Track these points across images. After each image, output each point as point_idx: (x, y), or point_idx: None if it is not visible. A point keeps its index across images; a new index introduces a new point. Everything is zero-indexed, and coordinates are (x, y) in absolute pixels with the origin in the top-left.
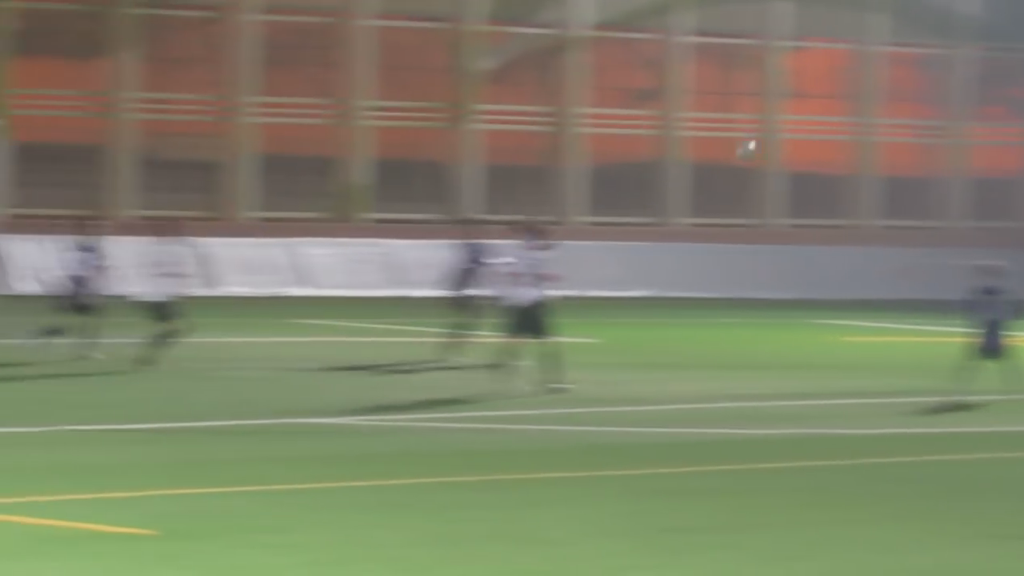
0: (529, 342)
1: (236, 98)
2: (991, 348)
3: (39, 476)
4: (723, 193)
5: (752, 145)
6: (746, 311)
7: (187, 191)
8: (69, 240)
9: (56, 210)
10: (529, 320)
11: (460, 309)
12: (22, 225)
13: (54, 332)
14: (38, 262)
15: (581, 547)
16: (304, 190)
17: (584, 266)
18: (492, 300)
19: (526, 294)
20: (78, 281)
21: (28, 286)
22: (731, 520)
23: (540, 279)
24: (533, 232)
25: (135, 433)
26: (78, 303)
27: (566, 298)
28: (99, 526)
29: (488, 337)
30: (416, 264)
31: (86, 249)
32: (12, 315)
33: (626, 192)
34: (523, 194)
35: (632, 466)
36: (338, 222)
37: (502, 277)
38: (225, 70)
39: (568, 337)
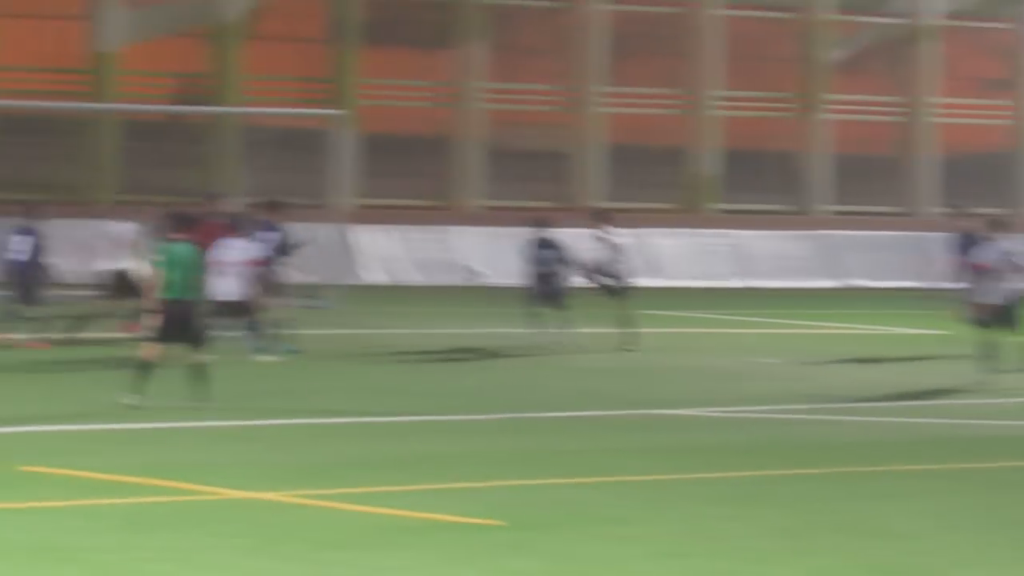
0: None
1: (584, 88)
2: None
3: (387, 467)
4: None
5: None
6: None
7: (534, 181)
8: (531, 234)
9: (403, 200)
10: (1002, 315)
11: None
12: (369, 215)
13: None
14: (385, 252)
15: (929, 540)
16: (652, 180)
17: (936, 258)
18: (964, 293)
19: (1000, 288)
20: (543, 275)
21: (376, 276)
22: None
23: (1014, 272)
24: (996, 225)
25: (483, 423)
26: (547, 294)
27: (914, 290)
28: (446, 516)
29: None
30: (764, 255)
31: (546, 246)
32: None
33: (978, 182)
34: (872, 185)
35: (983, 459)
36: (686, 212)
37: (980, 270)
38: (573, 60)
39: (921, 329)
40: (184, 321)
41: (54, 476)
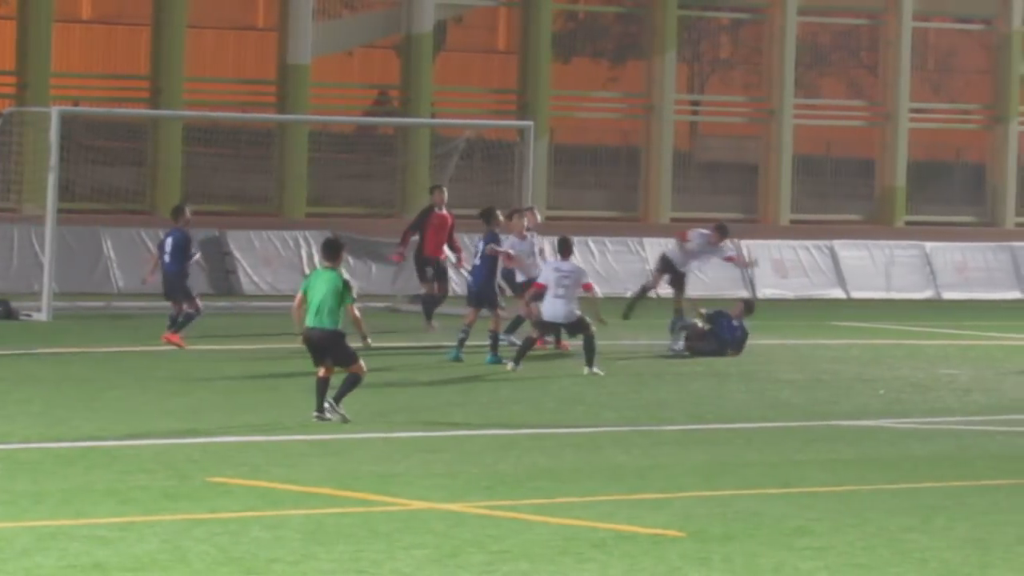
0: None
1: (774, 99)
2: None
3: (572, 477)
4: None
5: None
6: None
7: (726, 193)
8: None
9: (592, 211)
10: None
11: None
12: (559, 227)
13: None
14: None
15: None
16: (841, 192)
17: None
18: None
19: None
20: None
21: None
22: None
23: None
24: None
25: (667, 435)
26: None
27: None
28: (629, 527)
29: None
30: (951, 266)
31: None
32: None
33: None
34: None
35: None
36: (875, 224)
37: None
38: (764, 71)
39: None
40: (324, 348)
41: (238, 487)
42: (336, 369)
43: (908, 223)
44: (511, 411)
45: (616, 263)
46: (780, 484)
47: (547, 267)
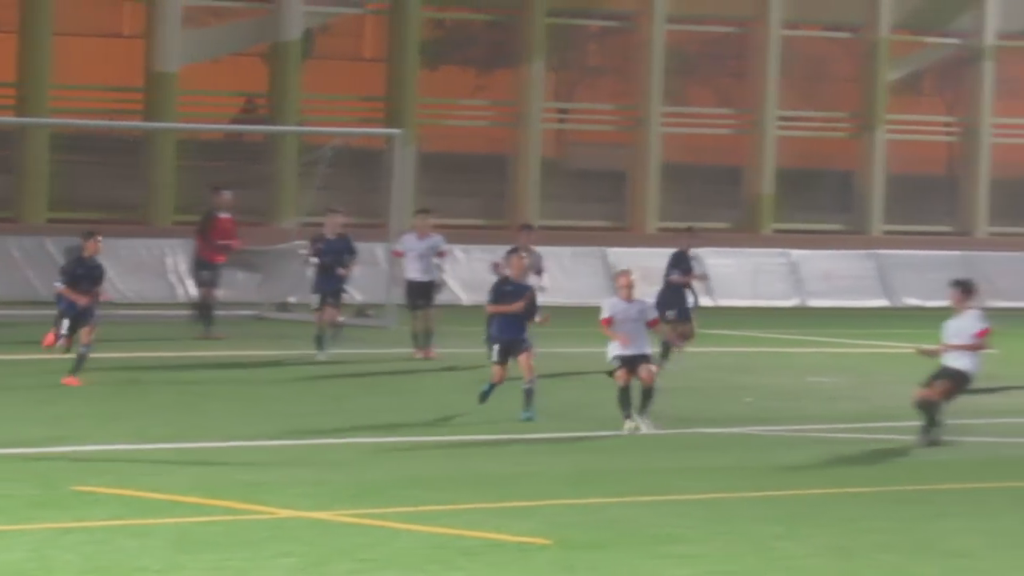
0: None
1: (643, 107)
2: None
3: (440, 485)
4: None
5: None
6: None
7: (594, 201)
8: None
9: (460, 219)
10: None
11: None
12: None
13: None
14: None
15: (980, 558)
16: (709, 200)
17: (986, 276)
18: None
19: None
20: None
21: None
22: None
23: None
24: None
25: (536, 443)
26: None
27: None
28: (496, 535)
29: None
30: (819, 274)
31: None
32: None
33: None
34: (927, 204)
35: None
36: (743, 232)
37: None
38: (633, 79)
39: None
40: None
41: (104, 495)
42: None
43: (776, 231)
44: (379, 419)
45: (483, 271)
46: (647, 492)
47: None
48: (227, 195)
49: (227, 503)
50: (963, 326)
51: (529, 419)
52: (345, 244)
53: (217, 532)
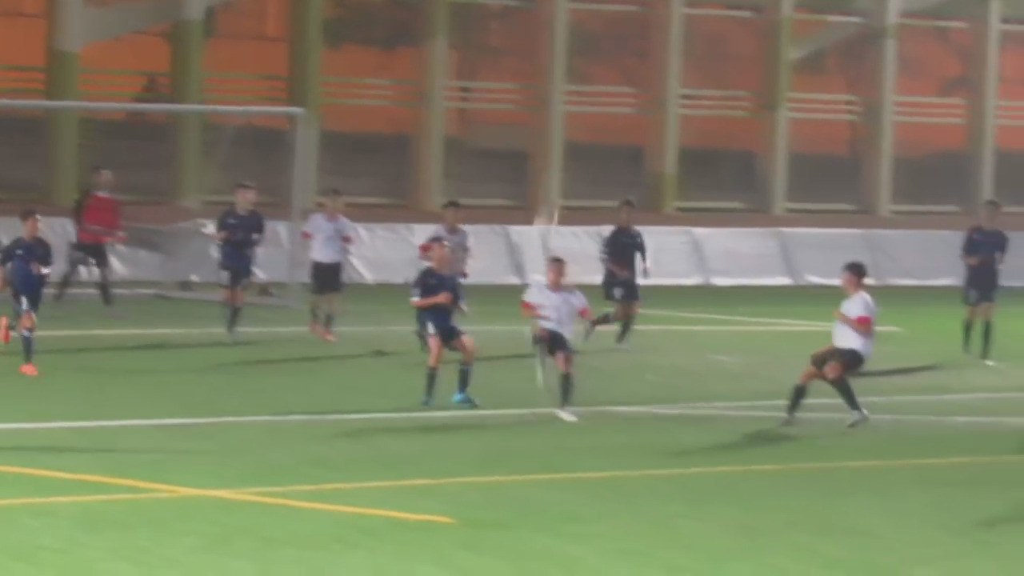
0: None
1: (545, 87)
2: None
3: (342, 464)
4: None
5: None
6: None
7: (496, 180)
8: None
9: (363, 198)
10: None
11: None
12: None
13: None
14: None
15: (884, 536)
16: (612, 179)
17: (889, 255)
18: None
19: None
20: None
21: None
22: None
23: None
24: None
25: (438, 422)
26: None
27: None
28: (399, 513)
29: None
30: (721, 253)
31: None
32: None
33: (934, 181)
34: (829, 183)
35: (936, 455)
36: (645, 211)
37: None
38: (534, 58)
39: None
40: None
41: (6, 474)
42: None
43: (678, 209)
44: (282, 399)
45: (387, 249)
46: (549, 470)
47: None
48: (107, 174)
49: (130, 482)
50: (852, 309)
51: (466, 403)
52: (256, 221)
53: (120, 511)
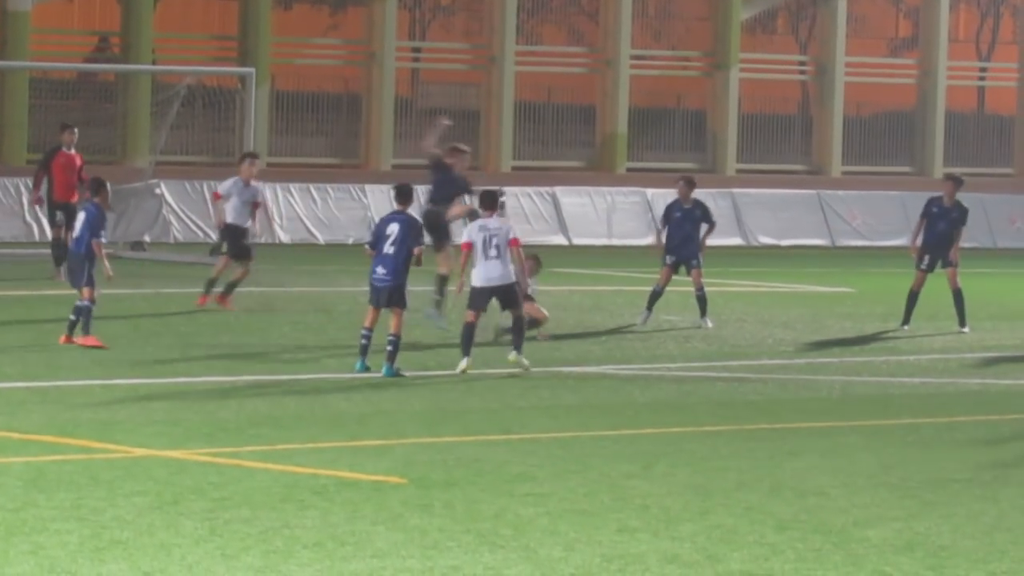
0: None
1: (495, 46)
2: None
3: (293, 424)
4: (978, 142)
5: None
6: (1007, 261)
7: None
8: None
9: (313, 159)
10: None
11: None
12: (280, 173)
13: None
14: (295, 210)
15: (835, 497)
16: (562, 139)
17: (840, 216)
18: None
19: None
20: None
21: (285, 234)
22: (985, 471)
23: None
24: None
25: (388, 381)
26: None
27: (820, 248)
28: (350, 474)
29: None
30: None
31: None
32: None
33: (886, 142)
34: (780, 143)
35: (887, 416)
36: (596, 171)
37: None
38: (485, 18)
39: (825, 287)
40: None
41: None
42: None
43: (629, 170)
44: (232, 359)
45: (338, 210)
46: (501, 431)
47: (473, 227)
48: (74, 132)
49: (81, 442)
50: None
51: (391, 374)
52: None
53: (72, 471)
